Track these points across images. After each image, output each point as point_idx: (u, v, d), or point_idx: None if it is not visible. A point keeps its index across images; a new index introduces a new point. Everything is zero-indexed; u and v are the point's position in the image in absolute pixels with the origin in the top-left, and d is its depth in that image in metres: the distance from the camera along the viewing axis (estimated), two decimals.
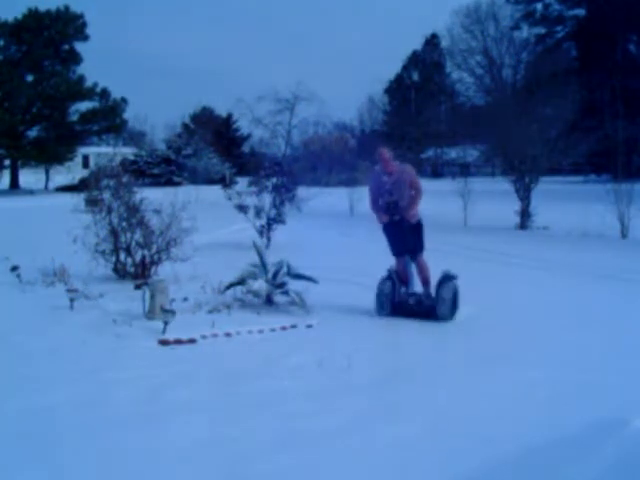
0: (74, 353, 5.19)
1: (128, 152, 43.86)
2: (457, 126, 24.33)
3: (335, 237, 14.19)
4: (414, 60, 62.82)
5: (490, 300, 7.51)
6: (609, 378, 4.72)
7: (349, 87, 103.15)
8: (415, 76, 62.80)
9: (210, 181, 39.38)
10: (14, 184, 38.96)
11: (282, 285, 6.80)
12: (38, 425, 3.75)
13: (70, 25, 38.19)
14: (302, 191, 12.80)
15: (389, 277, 6.59)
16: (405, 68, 62.94)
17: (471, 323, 6.42)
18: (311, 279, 6.85)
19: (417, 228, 6.70)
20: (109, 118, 39.22)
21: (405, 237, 6.63)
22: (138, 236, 8.43)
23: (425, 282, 6.71)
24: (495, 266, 10.36)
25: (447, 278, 6.50)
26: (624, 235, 14.33)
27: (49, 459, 3.33)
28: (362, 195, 22.12)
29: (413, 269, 6.90)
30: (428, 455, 3.44)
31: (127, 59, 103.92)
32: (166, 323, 5.72)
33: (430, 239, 14.60)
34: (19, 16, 37.11)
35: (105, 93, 38.85)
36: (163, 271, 8.21)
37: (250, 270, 6.92)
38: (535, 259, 10.97)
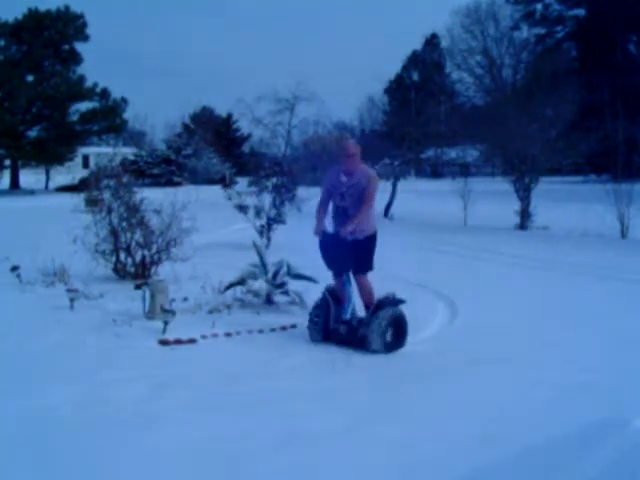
0: (74, 353, 5.19)
1: (128, 152, 43.85)
2: (457, 126, 24.29)
3: None
4: (414, 60, 62.82)
5: (490, 300, 7.51)
6: (609, 378, 4.72)
7: (349, 87, 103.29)
8: (415, 76, 62.79)
9: (210, 181, 39.36)
10: (14, 184, 38.92)
11: (282, 285, 6.80)
12: (38, 425, 3.75)
13: (70, 25, 38.13)
14: (302, 191, 12.80)
15: (324, 298, 5.66)
16: (405, 68, 62.96)
17: (471, 323, 6.42)
18: (311, 279, 6.85)
19: (365, 245, 5.56)
20: (109, 118, 39.16)
21: (341, 254, 5.48)
22: (138, 236, 8.43)
23: (367, 305, 5.65)
24: (495, 266, 10.36)
25: (385, 304, 5.47)
26: (624, 235, 14.33)
27: (49, 459, 3.34)
28: None
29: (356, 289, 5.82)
30: (428, 455, 3.44)
31: (127, 59, 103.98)
32: (166, 323, 5.72)
33: (430, 239, 14.60)
34: (19, 16, 37.04)
35: (105, 93, 38.80)
36: (163, 271, 8.21)
37: (250, 270, 6.93)
38: (535, 259, 10.97)
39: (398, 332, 5.45)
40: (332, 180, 5.65)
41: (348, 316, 5.63)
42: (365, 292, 5.63)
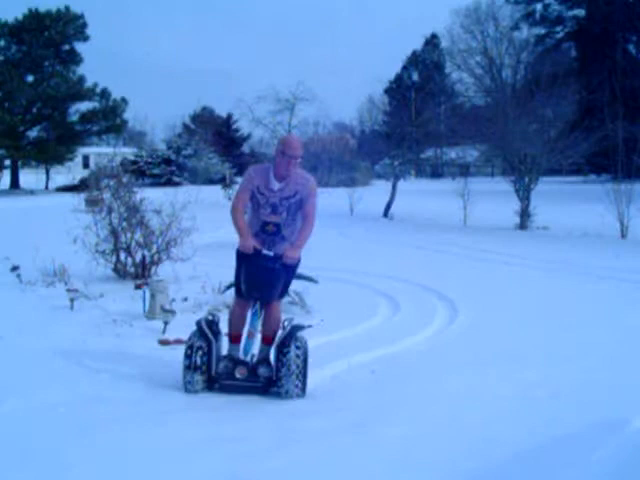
0: (74, 353, 5.19)
1: (128, 152, 43.83)
2: (457, 126, 24.31)
3: (335, 237, 14.19)
4: (414, 60, 62.87)
5: (490, 300, 7.51)
6: (609, 378, 4.72)
7: (349, 87, 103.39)
8: (415, 76, 62.83)
9: (210, 181, 39.37)
10: (14, 184, 38.91)
11: None
12: (38, 425, 3.75)
13: (70, 25, 38.16)
14: None
15: (201, 333, 4.38)
16: (405, 68, 63.01)
17: (471, 323, 6.42)
18: (311, 279, 6.84)
19: (293, 269, 4.48)
20: (109, 118, 39.18)
21: (277, 281, 4.33)
22: (138, 236, 8.45)
23: (270, 339, 4.49)
24: (495, 266, 10.36)
25: (293, 333, 4.38)
26: (624, 235, 14.33)
27: (49, 459, 3.33)
28: (362, 195, 22.21)
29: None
30: (428, 455, 3.44)
31: (127, 59, 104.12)
32: (166, 323, 5.73)
33: (429, 239, 14.60)
34: (19, 16, 37.11)
35: (105, 93, 38.80)
36: (163, 271, 8.22)
37: None
38: (535, 259, 10.97)
39: (305, 368, 4.34)
40: (258, 183, 4.35)
41: (249, 355, 4.48)
42: (274, 323, 4.51)
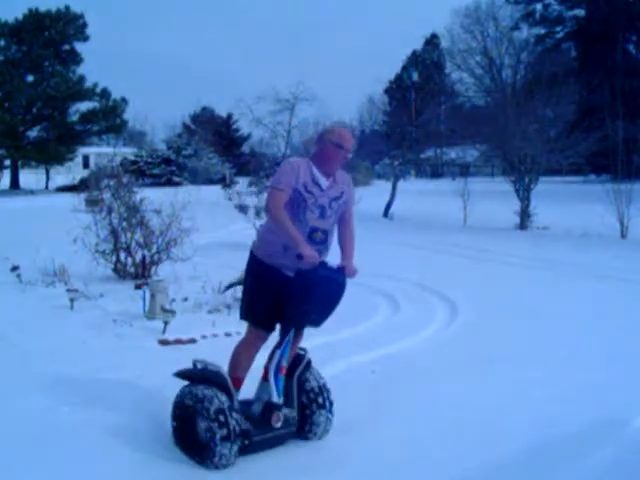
0: (74, 353, 5.19)
1: (128, 152, 43.84)
2: (457, 126, 24.34)
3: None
4: (414, 60, 62.91)
5: (490, 300, 7.51)
6: (609, 378, 4.72)
7: (349, 87, 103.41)
8: (415, 76, 62.87)
9: (210, 181, 39.39)
10: (14, 184, 38.91)
11: None
12: (38, 425, 3.75)
13: (70, 25, 38.17)
14: None
15: (219, 382, 3.42)
16: (405, 68, 63.05)
17: (471, 323, 6.42)
18: None
19: None
20: (109, 118, 39.17)
21: (340, 297, 3.51)
22: (138, 236, 8.45)
23: (288, 371, 3.59)
24: (495, 266, 10.36)
25: (309, 362, 3.75)
26: (624, 235, 14.33)
27: (49, 459, 3.33)
28: (362, 195, 22.17)
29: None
30: (428, 455, 3.44)
31: (127, 59, 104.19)
32: (166, 323, 5.73)
33: (429, 239, 14.60)
34: (19, 16, 37.14)
35: (105, 93, 38.80)
36: (163, 271, 8.22)
37: None
38: (535, 259, 10.97)
39: None
40: (304, 179, 3.46)
41: (281, 398, 3.53)
42: (294, 351, 3.67)
